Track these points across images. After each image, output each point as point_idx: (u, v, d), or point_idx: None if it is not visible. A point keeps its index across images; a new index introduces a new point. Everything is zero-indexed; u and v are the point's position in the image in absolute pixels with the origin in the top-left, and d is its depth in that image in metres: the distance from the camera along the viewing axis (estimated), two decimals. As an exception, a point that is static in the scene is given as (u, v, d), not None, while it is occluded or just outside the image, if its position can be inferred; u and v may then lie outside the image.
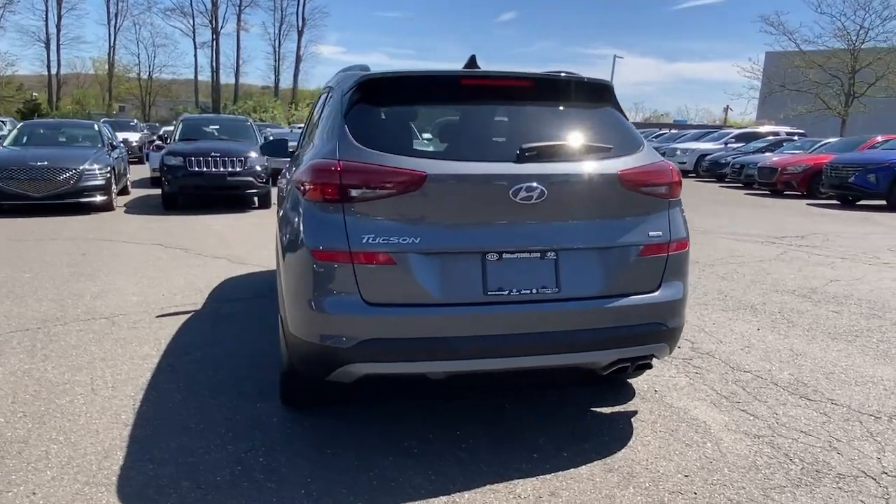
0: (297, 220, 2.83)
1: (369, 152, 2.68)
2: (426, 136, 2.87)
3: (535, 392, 3.62)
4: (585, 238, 2.78)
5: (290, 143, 5.40)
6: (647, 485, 2.68)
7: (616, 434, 3.14)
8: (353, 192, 2.63)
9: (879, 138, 17.37)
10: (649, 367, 3.04)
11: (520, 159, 2.71)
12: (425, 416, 3.29)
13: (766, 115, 36.38)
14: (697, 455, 2.94)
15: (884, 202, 13.56)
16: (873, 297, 5.88)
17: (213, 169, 11.13)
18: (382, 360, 2.67)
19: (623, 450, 2.97)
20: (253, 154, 11.51)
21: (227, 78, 64.39)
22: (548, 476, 2.74)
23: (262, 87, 67.19)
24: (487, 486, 2.65)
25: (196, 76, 63.26)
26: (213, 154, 11.15)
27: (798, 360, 4.20)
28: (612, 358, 2.87)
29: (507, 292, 2.70)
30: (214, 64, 61.64)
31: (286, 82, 64.63)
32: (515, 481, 2.69)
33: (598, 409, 3.41)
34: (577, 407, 3.44)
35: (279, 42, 63.40)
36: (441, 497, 2.57)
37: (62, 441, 2.96)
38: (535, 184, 2.66)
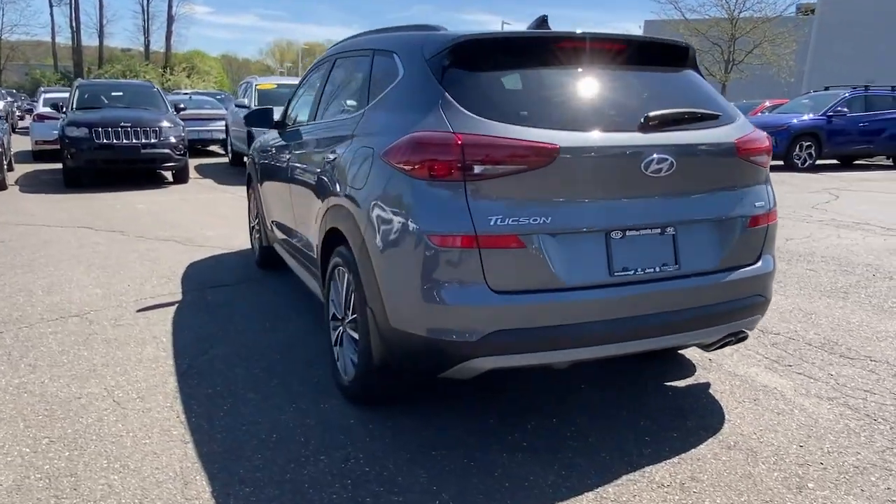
0: (397, 201, 2.50)
1: (488, 123, 2.41)
2: (535, 104, 2.60)
3: (600, 372, 3.51)
4: (702, 211, 2.67)
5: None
6: (774, 459, 2.65)
7: (707, 408, 3.09)
8: (477, 169, 2.35)
9: (767, 103, 18.65)
10: (746, 338, 3.00)
11: (645, 129, 2.53)
12: (506, 406, 3.09)
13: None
14: (795, 423, 2.94)
15: (781, 162, 14.57)
16: (832, 254, 6.24)
17: (125, 141, 10.10)
18: (509, 352, 2.44)
19: (725, 424, 2.93)
20: (166, 123, 10.58)
21: (89, 39, 58.92)
22: (674, 460, 2.64)
23: (122, 49, 62.10)
24: (624, 477, 2.51)
25: (53, 37, 57.59)
26: (123, 124, 10.11)
27: (813, 319, 4.36)
28: (724, 332, 2.79)
29: (632, 272, 2.54)
30: (74, 24, 56.02)
31: (157, 45, 60.08)
32: (646, 469, 2.57)
33: (673, 384, 3.36)
34: (651, 384, 3.36)
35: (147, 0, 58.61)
36: (587, 494, 2.40)
37: (120, 469, 2.52)
38: (665, 155, 2.50)
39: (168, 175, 11.39)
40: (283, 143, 4.38)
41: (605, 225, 2.49)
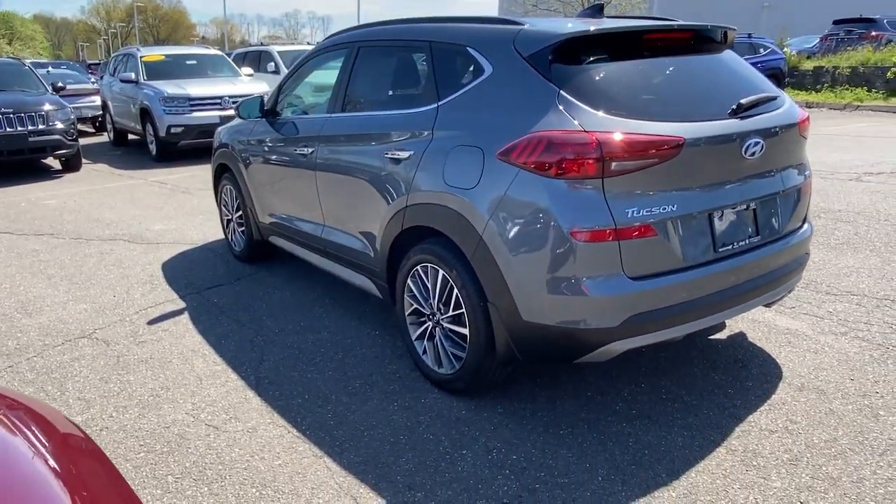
0: (529, 200, 2.57)
1: (615, 120, 2.53)
2: (648, 97, 2.75)
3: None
4: (774, 185, 2.97)
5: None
6: (840, 395, 3.07)
7: (758, 356, 3.48)
8: (614, 165, 2.48)
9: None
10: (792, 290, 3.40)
11: (739, 115, 2.76)
12: (589, 377, 3.31)
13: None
14: (835, 360, 3.40)
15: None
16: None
17: (9, 129, 9.04)
18: (643, 332, 2.64)
19: (783, 369, 3.33)
20: (50, 106, 9.57)
21: None
22: (764, 407, 2.99)
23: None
24: (738, 429, 2.82)
25: None
26: (4, 110, 9.02)
27: (785, 262, 4.92)
28: (788, 289, 3.16)
29: (729, 247, 2.81)
30: None
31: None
32: (749, 419, 2.90)
33: (716, 337, 3.72)
34: (698, 340, 3.69)
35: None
36: (718, 450, 2.68)
37: (275, 495, 2.47)
38: (759, 138, 2.76)
39: (56, 164, 10.37)
40: (287, 135, 4.22)
41: (710, 206, 2.73)
